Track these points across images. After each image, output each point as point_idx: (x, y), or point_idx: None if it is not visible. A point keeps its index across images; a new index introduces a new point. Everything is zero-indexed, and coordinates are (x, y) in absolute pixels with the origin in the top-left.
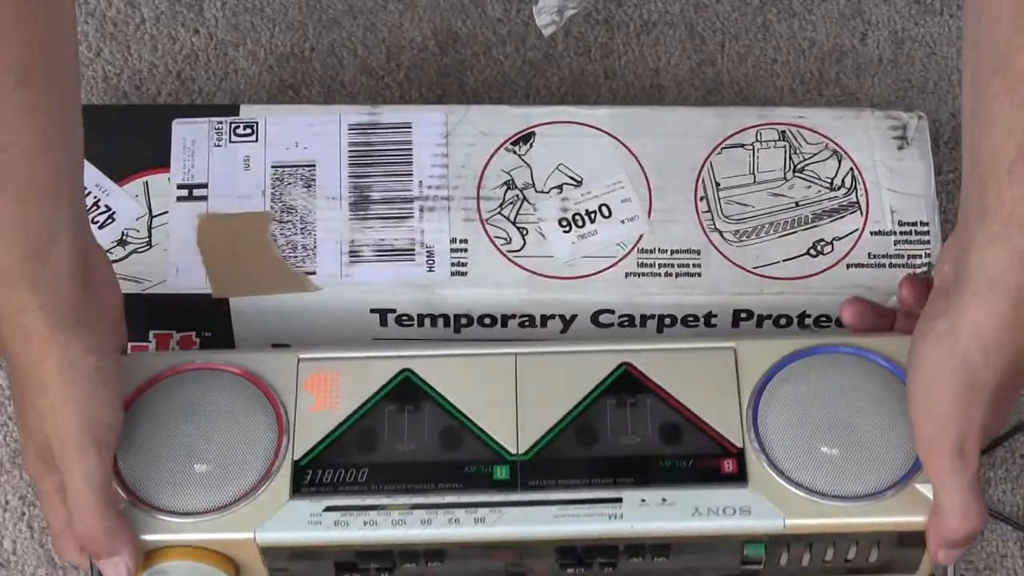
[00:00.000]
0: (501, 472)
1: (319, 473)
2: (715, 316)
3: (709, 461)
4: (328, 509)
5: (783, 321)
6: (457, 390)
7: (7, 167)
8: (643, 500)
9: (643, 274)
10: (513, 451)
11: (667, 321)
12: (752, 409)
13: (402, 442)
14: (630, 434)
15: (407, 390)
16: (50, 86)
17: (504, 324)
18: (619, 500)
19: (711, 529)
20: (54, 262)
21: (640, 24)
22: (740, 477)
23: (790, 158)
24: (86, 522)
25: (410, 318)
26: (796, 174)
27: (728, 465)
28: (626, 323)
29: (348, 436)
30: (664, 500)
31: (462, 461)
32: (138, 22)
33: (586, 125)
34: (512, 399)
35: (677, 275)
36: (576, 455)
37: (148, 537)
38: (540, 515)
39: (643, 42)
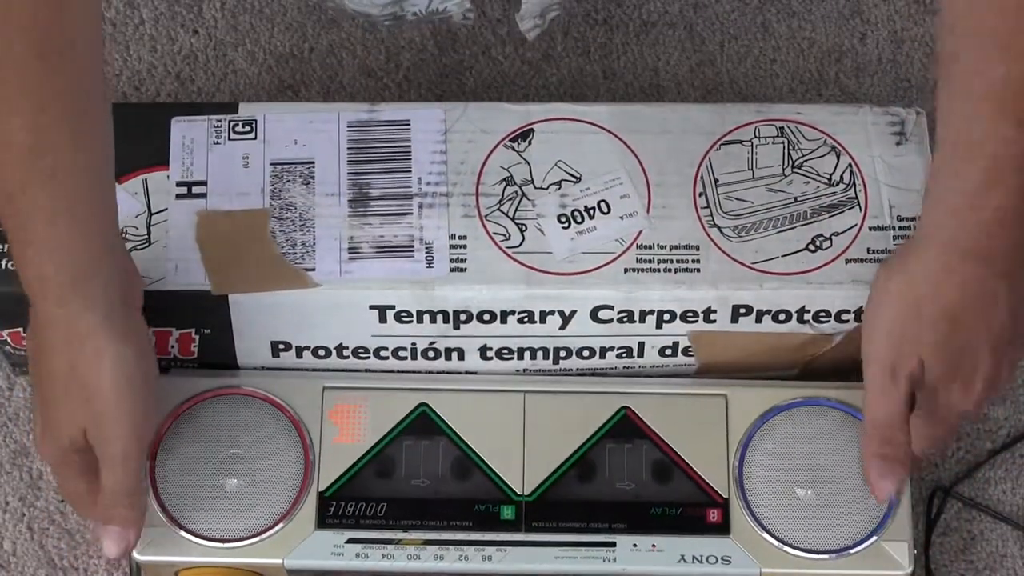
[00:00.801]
0: (508, 512)
1: (342, 506)
2: (714, 311)
3: (696, 510)
4: (350, 541)
5: (782, 316)
6: (470, 427)
7: (65, 195)
8: (635, 545)
9: (642, 270)
10: (519, 492)
11: (666, 317)
12: (739, 459)
13: (418, 477)
14: (626, 480)
15: (423, 425)
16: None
17: (503, 320)
18: (613, 544)
19: (694, 574)
20: (104, 279)
21: (639, 24)
22: (723, 528)
23: (788, 154)
24: (116, 506)
25: (409, 314)
26: (795, 170)
27: (713, 515)
28: (625, 319)
29: (369, 469)
30: (654, 546)
31: (472, 500)
32: (137, 23)
33: (585, 122)
34: (520, 437)
35: (676, 271)
36: (576, 497)
37: (185, 559)
38: (541, 555)
39: (642, 42)
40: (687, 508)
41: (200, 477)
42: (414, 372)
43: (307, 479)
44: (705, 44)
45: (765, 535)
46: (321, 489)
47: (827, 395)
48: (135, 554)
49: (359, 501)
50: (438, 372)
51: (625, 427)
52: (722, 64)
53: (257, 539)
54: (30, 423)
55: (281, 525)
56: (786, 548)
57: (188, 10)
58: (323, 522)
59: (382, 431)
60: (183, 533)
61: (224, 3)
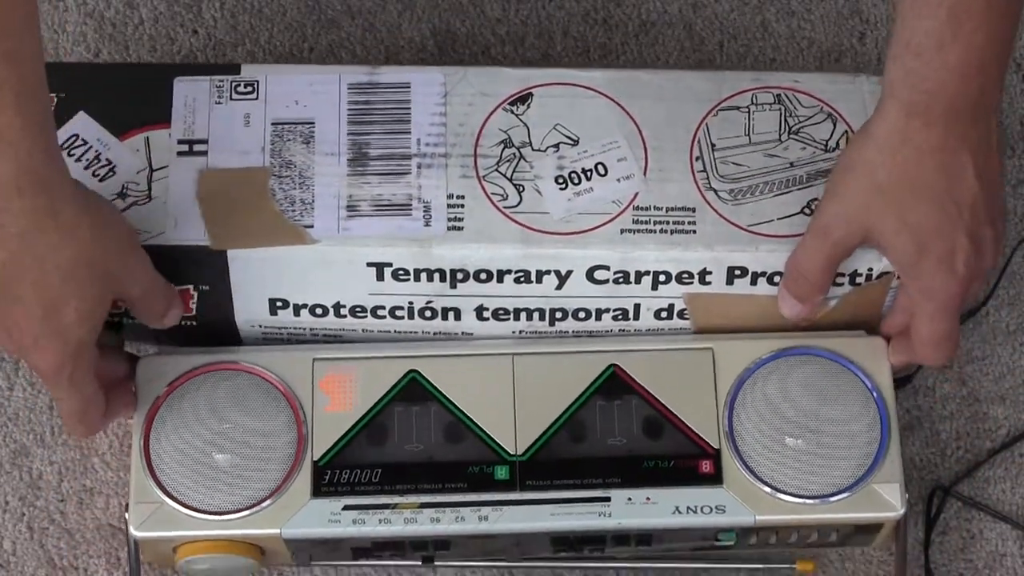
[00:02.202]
0: (502, 472)
1: (336, 474)
2: (710, 273)
3: (688, 462)
4: (346, 508)
5: (777, 279)
6: (460, 391)
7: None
8: (629, 499)
9: (638, 231)
10: (512, 452)
11: (662, 278)
12: (727, 411)
13: (411, 443)
14: (617, 435)
15: (414, 391)
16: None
17: (500, 280)
18: (608, 499)
19: (689, 524)
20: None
21: (639, 24)
22: (716, 478)
23: (785, 120)
24: (71, 420)
25: (406, 272)
26: (791, 136)
27: (705, 466)
28: (621, 280)
29: (361, 437)
30: (648, 499)
31: (466, 462)
32: (136, 23)
33: (583, 87)
34: (510, 399)
35: (672, 232)
36: (569, 455)
37: (183, 533)
38: (537, 513)
39: (642, 42)
40: (679, 460)
41: (195, 452)
42: (410, 333)
43: (301, 450)
44: (704, 44)
45: (758, 484)
46: (315, 459)
47: (812, 344)
48: (132, 530)
49: (353, 469)
50: (434, 333)
51: (614, 384)
52: (722, 64)
53: (253, 511)
54: (30, 422)
55: (277, 496)
56: (779, 495)
57: (188, 10)
58: (318, 491)
59: (373, 399)
60: (180, 508)
61: (224, 3)
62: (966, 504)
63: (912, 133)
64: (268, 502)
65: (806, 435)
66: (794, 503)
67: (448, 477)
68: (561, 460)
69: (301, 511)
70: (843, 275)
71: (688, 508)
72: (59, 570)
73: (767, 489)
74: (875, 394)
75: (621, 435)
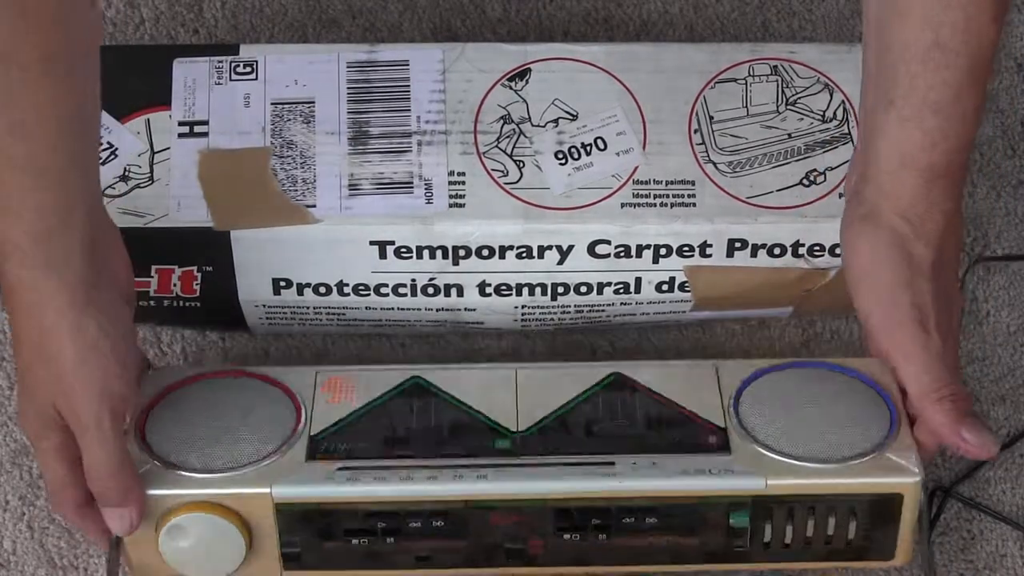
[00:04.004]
0: (502, 443)
1: (334, 443)
2: (710, 246)
3: (695, 437)
4: (341, 469)
5: (776, 250)
6: (462, 390)
7: (27, 152)
8: (634, 464)
9: (638, 204)
10: (513, 429)
11: (662, 251)
12: (733, 402)
13: (411, 425)
14: (620, 418)
15: (416, 390)
16: (73, 78)
17: (502, 256)
18: (612, 464)
19: (697, 488)
20: (67, 243)
21: (640, 24)
22: (724, 447)
23: (782, 92)
24: (103, 481)
25: (409, 250)
26: (788, 107)
27: (712, 439)
28: (622, 254)
29: (362, 419)
30: (654, 463)
31: (466, 436)
32: (137, 22)
33: (581, 62)
34: (512, 398)
35: (672, 205)
36: (572, 434)
37: (168, 491)
38: (539, 474)
39: (642, 42)
40: (685, 435)
41: (189, 429)
42: (413, 310)
43: (298, 425)
44: (705, 43)
45: (767, 452)
46: (313, 433)
47: (816, 360)
48: None
49: (352, 441)
50: (437, 310)
51: (618, 385)
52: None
53: (244, 469)
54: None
55: (270, 459)
56: (790, 460)
57: (188, 10)
58: (313, 456)
59: (375, 394)
60: (170, 469)
61: (224, 3)
62: (966, 505)
63: (937, 196)
64: (261, 463)
65: (817, 417)
66: (806, 468)
67: (447, 448)
68: (564, 436)
69: (294, 474)
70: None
71: (696, 470)
72: (59, 570)
73: (776, 456)
74: (880, 392)
75: (624, 418)
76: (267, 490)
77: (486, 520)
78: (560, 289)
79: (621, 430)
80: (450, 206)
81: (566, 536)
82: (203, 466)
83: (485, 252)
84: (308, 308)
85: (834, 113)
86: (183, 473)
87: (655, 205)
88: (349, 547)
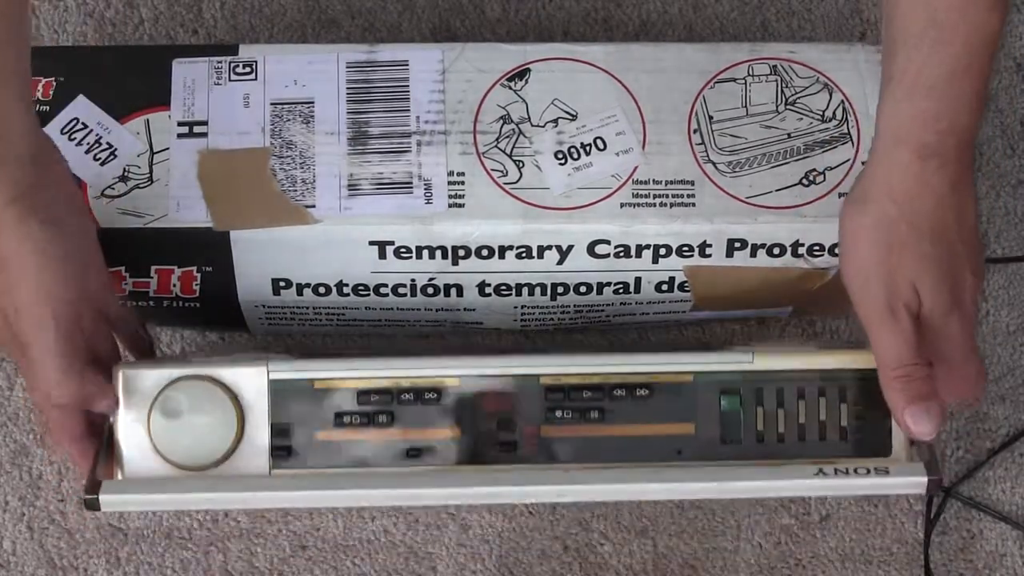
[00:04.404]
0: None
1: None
2: (709, 246)
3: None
4: (334, 355)
5: (776, 250)
6: None
7: None
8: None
9: (638, 204)
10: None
11: (662, 251)
12: None
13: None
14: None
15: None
16: None
17: (502, 256)
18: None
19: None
20: (8, 142)
21: (639, 24)
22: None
23: (782, 91)
24: (54, 391)
25: (408, 250)
26: (788, 107)
27: None
28: (621, 254)
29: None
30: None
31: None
32: (136, 23)
33: (581, 61)
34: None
35: (672, 205)
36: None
37: (163, 368)
38: (531, 353)
39: (642, 42)
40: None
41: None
42: (413, 310)
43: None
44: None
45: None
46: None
47: None
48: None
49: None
50: (437, 310)
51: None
52: None
53: (239, 358)
54: (30, 422)
55: (265, 356)
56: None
57: (188, 10)
58: (308, 356)
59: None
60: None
61: (224, 3)
62: (966, 504)
63: (929, 177)
64: (259, 354)
65: None
66: (790, 349)
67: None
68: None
69: (290, 361)
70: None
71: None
72: (59, 570)
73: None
74: None
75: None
76: (263, 367)
77: (479, 399)
78: (560, 289)
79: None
80: (449, 206)
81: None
82: (200, 358)
83: (485, 252)
84: (308, 308)
85: (833, 113)
86: (181, 358)
87: (655, 205)
88: (341, 436)
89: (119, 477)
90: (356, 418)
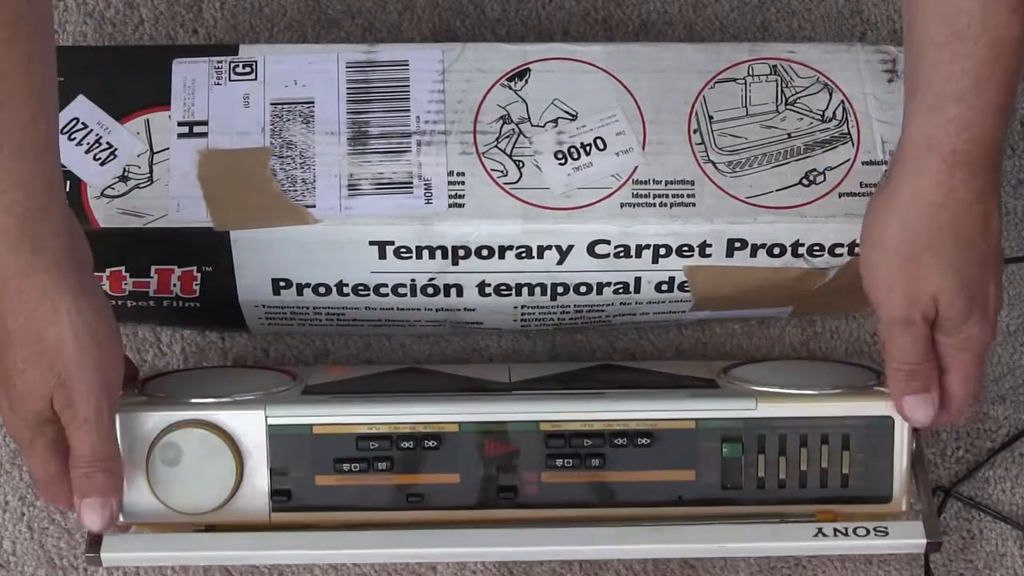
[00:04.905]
0: (494, 387)
1: (328, 389)
2: (710, 246)
3: (684, 382)
4: (335, 395)
5: (776, 250)
6: (456, 370)
7: (5, 123)
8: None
9: (638, 204)
10: (506, 382)
11: (662, 251)
12: (723, 371)
13: (407, 384)
14: (613, 381)
15: (412, 370)
16: (39, 39)
17: (502, 256)
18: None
19: (689, 410)
20: (53, 224)
21: (639, 24)
22: (713, 386)
23: (782, 91)
24: (95, 471)
25: (408, 250)
26: (788, 107)
27: (703, 385)
28: (621, 254)
29: (357, 380)
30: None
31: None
32: (136, 23)
33: (581, 61)
34: (506, 373)
35: (672, 205)
36: (564, 384)
37: (163, 411)
38: (531, 400)
39: (642, 42)
40: (677, 382)
41: (189, 386)
42: (413, 310)
43: (295, 381)
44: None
45: (756, 387)
46: (309, 384)
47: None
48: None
49: (345, 388)
50: (437, 309)
51: (609, 366)
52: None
53: (239, 396)
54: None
55: (264, 393)
56: (778, 389)
57: (188, 10)
58: (308, 393)
59: (374, 371)
60: (164, 400)
61: (224, 3)
62: (966, 504)
63: (957, 184)
64: (255, 393)
65: (806, 367)
66: (795, 394)
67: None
68: (555, 384)
69: (287, 405)
70: (842, 246)
71: (688, 396)
72: (59, 570)
73: (765, 388)
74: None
75: (616, 380)
76: (261, 412)
77: (479, 447)
78: (560, 289)
79: (612, 382)
80: (449, 206)
81: (558, 462)
82: (200, 395)
83: (484, 252)
84: (308, 308)
85: (834, 113)
86: (179, 400)
87: (655, 205)
88: (340, 481)
89: (120, 520)
90: (356, 465)
